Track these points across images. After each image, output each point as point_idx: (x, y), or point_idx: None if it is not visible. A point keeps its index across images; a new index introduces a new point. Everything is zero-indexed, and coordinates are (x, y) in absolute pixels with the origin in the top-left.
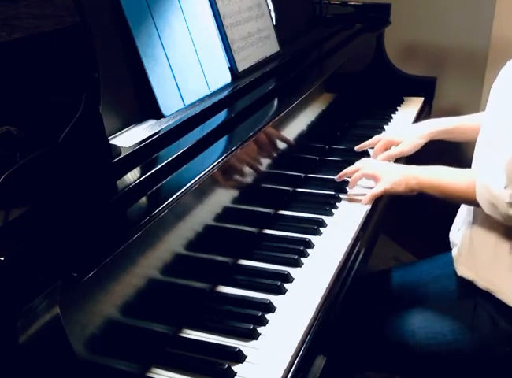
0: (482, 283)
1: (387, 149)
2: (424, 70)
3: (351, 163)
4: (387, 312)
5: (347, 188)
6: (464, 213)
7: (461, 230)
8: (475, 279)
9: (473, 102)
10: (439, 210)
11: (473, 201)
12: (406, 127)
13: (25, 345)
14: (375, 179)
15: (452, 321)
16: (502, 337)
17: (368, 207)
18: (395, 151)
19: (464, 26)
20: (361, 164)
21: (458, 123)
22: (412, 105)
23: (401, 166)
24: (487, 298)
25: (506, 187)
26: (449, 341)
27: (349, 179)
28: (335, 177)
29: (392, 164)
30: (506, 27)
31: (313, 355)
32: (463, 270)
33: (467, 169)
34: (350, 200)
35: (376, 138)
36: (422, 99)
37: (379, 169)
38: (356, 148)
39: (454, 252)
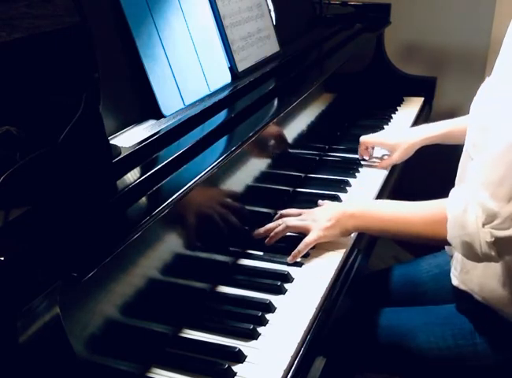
0: (477, 297)
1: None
2: (424, 70)
3: (351, 163)
4: (387, 313)
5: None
6: None
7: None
8: (470, 292)
9: None
10: None
11: (438, 238)
12: (399, 131)
13: (25, 345)
14: (305, 231)
15: (453, 326)
16: (501, 343)
17: None
18: (387, 162)
19: (464, 26)
20: (282, 219)
21: (451, 127)
22: (412, 105)
23: (331, 205)
24: (486, 306)
25: (485, 224)
26: (450, 346)
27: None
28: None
29: (320, 207)
30: (506, 27)
31: (313, 355)
32: (457, 283)
33: (427, 201)
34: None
35: (364, 141)
36: (422, 99)
37: (306, 218)
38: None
39: (450, 264)
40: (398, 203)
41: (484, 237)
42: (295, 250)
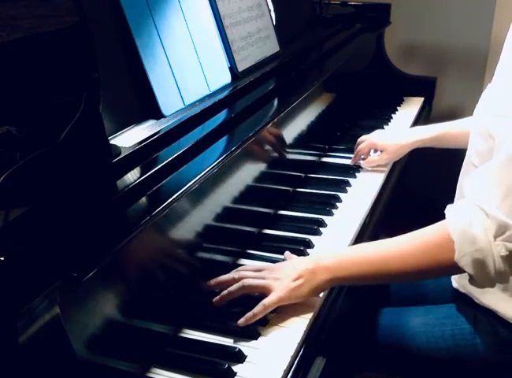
0: (476, 299)
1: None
2: (424, 70)
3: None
4: (387, 313)
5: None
6: None
7: None
8: (469, 295)
9: (473, 102)
10: (439, 210)
11: (442, 265)
12: (392, 131)
13: (25, 345)
14: (265, 291)
15: (453, 326)
16: (501, 344)
17: (368, 207)
18: (378, 161)
19: (464, 26)
20: (239, 274)
21: (444, 130)
22: (412, 105)
23: (299, 261)
24: (486, 307)
25: (496, 237)
26: (450, 346)
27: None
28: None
29: (285, 262)
30: (506, 27)
31: (313, 355)
32: (457, 286)
33: (419, 230)
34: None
35: (361, 139)
36: (422, 99)
37: (267, 276)
38: (352, 163)
39: None
40: (381, 241)
41: (497, 251)
42: (250, 313)
